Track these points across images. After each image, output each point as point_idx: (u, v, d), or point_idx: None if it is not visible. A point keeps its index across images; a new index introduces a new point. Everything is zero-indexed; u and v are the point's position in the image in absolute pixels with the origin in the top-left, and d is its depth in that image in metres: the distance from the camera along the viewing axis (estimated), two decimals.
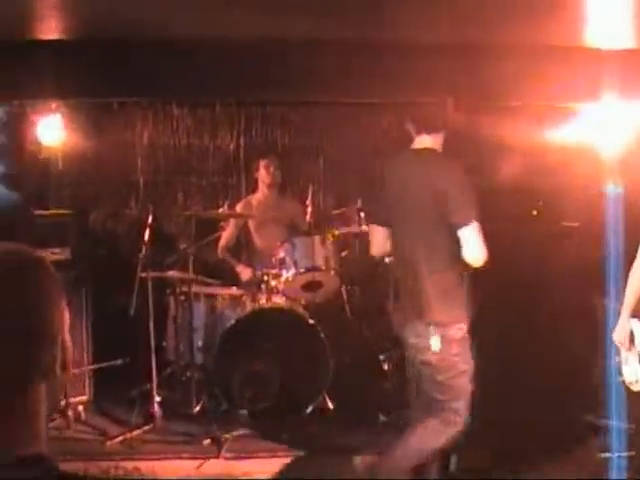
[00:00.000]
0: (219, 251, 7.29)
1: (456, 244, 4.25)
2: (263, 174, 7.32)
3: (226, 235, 7.29)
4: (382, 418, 6.21)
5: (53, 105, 7.17)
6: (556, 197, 6.80)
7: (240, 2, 5.28)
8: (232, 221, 7.31)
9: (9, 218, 3.90)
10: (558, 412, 6.07)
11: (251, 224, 7.29)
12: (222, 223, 7.29)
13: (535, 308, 6.46)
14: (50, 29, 6.22)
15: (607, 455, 5.42)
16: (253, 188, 7.54)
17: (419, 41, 6.07)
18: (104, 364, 6.45)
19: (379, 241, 4.75)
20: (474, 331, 4.58)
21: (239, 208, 7.27)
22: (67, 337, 1.58)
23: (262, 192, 7.38)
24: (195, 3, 5.32)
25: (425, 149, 4.48)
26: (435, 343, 4.31)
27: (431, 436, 4.50)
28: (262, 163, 7.33)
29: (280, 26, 5.96)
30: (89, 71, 6.46)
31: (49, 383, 1.52)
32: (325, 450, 5.68)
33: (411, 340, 4.46)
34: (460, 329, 4.37)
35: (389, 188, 4.60)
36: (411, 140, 4.57)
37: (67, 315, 1.58)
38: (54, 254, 6.29)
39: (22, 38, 6.25)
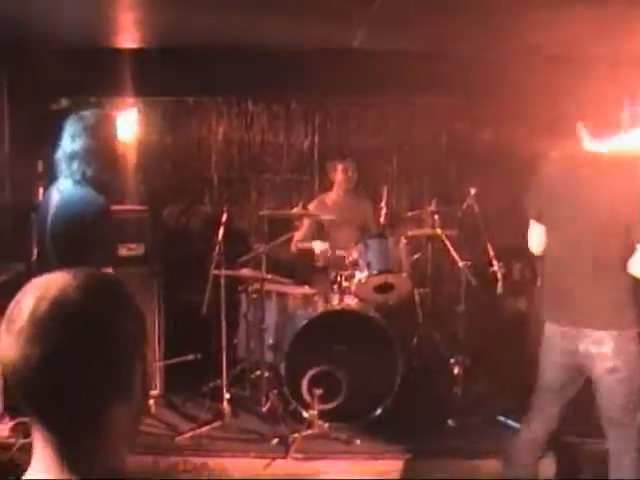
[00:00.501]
0: (292, 245, 7.26)
1: (630, 252, 4.14)
2: (340, 177, 7.30)
3: (299, 233, 7.28)
4: (450, 423, 6.16)
5: (130, 101, 7.28)
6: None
7: (315, 15, 5.36)
8: (306, 220, 7.29)
9: (98, 223, 3.95)
10: None
11: (325, 224, 7.26)
12: (297, 222, 7.29)
13: None
14: (130, 39, 6.37)
15: None
16: (327, 187, 7.54)
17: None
18: (175, 360, 6.51)
19: (540, 238, 4.54)
20: None
21: (312, 207, 7.25)
22: (148, 362, 1.60)
23: (337, 194, 7.38)
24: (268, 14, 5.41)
25: (603, 153, 4.36)
26: (617, 349, 4.20)
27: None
28: (340, 167, 7.30)
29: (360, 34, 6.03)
30: (166, 72, 6.59)
31: (131, 406, 1.56)
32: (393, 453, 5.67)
33: (588, 349, 4.27)
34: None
35: (557, 188, 4.39)
36: (580, 142, 4.43)
37: (147, 343, 1.61)
38: (129, 250, 6.38)
39: (107, 46, 6.43)
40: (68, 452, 1.48)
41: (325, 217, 7.07)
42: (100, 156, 4.07)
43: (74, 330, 1.45)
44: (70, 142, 4.06)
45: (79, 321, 1.46)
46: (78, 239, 3.89)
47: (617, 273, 4.21)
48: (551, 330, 4.49)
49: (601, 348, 4.22)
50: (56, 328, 1.43)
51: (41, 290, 1.48)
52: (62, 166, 4.10)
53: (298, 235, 7.28)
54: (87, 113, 4.20)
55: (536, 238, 4.59)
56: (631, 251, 4.11)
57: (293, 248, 7.30)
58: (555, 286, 4.51)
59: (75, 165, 4.04)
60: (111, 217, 4.14)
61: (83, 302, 1.48)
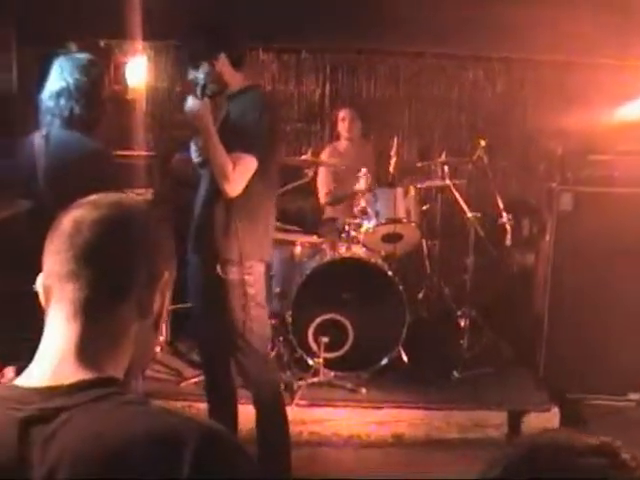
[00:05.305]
0: (322, 200, 7.25)
1: None
2: (341, 126, 7.32)
3: (323, 183, 7.28)
4: (455, 375, 6.16)
5: (140, 46, 7.22)
6: None
7: None
8: (322, 169, 7.25)
9: (95, 170, 3.82)
10: None
11: (335, 172, 7.22)
12: (306, 170, 7.23)
13: None
14: None
15: None
16: (337, 136, 7.51)
17: None
18: (182, 305, 6.50)
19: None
20: None
21: (325, 155, 7.25)
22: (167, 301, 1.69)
23: (343, 142, 7.36)
24: None
25: None
26: None
27: None
28: (340, 115, 7.33)
29: None
30: (175, 13, 6.50)
31: (144, 328, 1.64)
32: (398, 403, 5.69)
33: None
34: None
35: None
36: None
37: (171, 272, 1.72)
38: (137, 195, 6.35)
39: None
40: (85, 346, 1.52)
41: (331, 162, 7.04)
42: (88, 94, 3.95)
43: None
44: (58, 79, 3.94)
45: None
46: (78, 188, 3.76)
47: None
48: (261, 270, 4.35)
49: None
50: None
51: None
52: (47, 105, 3.96)
53: (323, 184, 7.26)
54: (78, 54, 4.14)
55: (246, 179, 4.15)
56: None
57: (322, 202, 7.26)
58: (266, 226, 4.38)
59: (62, 102, 3.91)
60: (111, 160, 4.04)
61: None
